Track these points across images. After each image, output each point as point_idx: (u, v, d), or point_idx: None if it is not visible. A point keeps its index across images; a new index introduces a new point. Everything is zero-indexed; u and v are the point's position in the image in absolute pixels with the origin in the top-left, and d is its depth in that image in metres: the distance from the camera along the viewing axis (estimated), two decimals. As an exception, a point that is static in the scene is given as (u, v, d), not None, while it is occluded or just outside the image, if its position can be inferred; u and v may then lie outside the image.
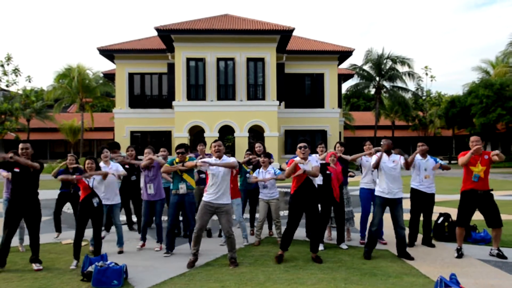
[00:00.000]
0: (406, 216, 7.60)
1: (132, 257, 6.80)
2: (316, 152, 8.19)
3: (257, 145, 8.69)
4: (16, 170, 6.19)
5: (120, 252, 7.15)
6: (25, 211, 6.24)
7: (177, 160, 7.05)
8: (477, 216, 7.04)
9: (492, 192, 6.69)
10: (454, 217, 8.18)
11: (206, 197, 6.34)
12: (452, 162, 36.04)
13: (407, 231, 7.50)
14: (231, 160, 6.45)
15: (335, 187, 7.20)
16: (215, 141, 6.53)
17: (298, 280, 5.57)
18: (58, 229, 8.45)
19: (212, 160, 6.36)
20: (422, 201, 7.39)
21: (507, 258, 6.47)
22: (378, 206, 6.74)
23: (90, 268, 5.57)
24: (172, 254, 6.97)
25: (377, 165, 6.65)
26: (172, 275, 5.81)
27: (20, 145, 6.34)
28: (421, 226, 7.72)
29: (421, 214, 7.47)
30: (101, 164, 7.38)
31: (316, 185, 6.65)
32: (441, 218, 7.96)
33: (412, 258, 6.51)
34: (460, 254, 6.62)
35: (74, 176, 6.57)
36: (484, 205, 6.62)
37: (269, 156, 7.81)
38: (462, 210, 6.74)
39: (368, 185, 7.67)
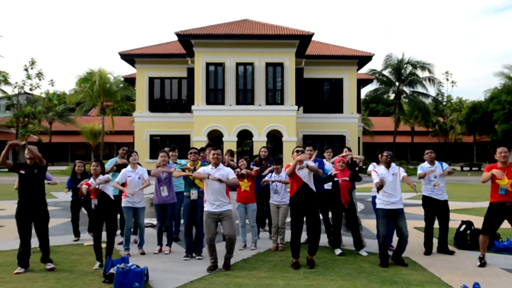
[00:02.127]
0: (421, 224, 7.53)
1: (152, 260, 6.87)
2: (323, 157, 8.20)
3: (262, 149, 8.66)
4: (22, 172, 6.30)
5: (142, 253, 7.27)
6: (33, 213, 6.31)
7: (188, 164, 7.12)
8: (500, 225, 6.90)
9: None
10: (476, 225, 8.05)
11: (206, 207, 6.41)
12: (473, 169, 35.44)
13: (421, 240, 7.46)
14: (230, 176, 6.42)
15: (344, 193, 7.20)
16: (215, 149, 6.62)
17: (318, 286, 5.55)
18: (77, 234, 8.59)
19: (221, 175, 6.33)
20: (436, 208, 7.31)
21: None
22: (382, 218, 6.70)
23: (112, 270, 5.65)
24: (192, 257, 7.02)
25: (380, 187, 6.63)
26: (192, 279, 5.86)
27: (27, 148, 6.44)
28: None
29: (435, 222, 7.38)
30: (128, 167, 7.46)
31: (314, 189, 6.63)
32: (463, 226, 7.83)
33: (405, 265, 6.49)
34: (483, 263, 6.49)
35: (84, 186, 6.58)
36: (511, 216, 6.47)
37: (280, 162, 7.77)
38: (488, 220, 6.61)
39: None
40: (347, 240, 7.95)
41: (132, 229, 8.29)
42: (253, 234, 7.78)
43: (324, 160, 8.17)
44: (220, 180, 6.24)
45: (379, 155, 7.64)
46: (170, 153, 8.20)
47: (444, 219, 7.32)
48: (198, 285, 5.62)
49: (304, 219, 6.58)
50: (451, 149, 47.30)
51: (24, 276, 5.97)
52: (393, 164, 6.89)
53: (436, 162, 7.42)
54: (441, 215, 7.32)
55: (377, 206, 6.81)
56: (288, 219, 7.27)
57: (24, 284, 5.62)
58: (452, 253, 7.21)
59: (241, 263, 6.72)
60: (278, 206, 7.63)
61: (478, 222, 8.42)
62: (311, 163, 6.60)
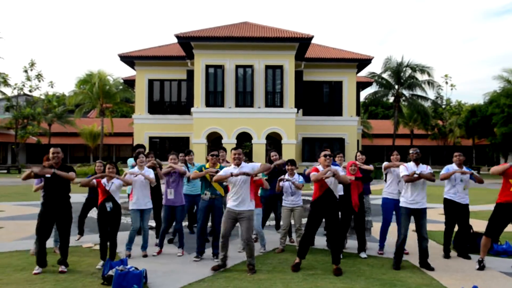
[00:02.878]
0: (434, 227, 7.52)
1: (152, 262, 6.86)
2: (335, 161, 8.15)
3: (272, 153, 8.67)
4: (48, 176, 6.32)
5: (145, 255, 7.24)
6: (57, 215, 6.36)
7: (207, 165, 7.10)
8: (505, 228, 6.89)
9: None
10: (475, 228, 8.06)
11: (228, 204, 6.46)
12: (472, 172, 35.46)
13: (436, 244, 7.45)
14: (256, 168, 6.41)
15: (354, 196, 7.17)
16: (235, 148, 6.59)
17: (317, 288, 5.56)
18: (81, 232, 8.56)
19: (235, 170, 6.34)
20: (456, 212, 7.28)
21: None
22: (405, 216, 6.67)
23: (111, 272, 5.64)
24: (202, 258, 7.01)
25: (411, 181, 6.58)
26: (191, 281, 5.85)
27: (51, 150, 6.48)
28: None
29: (454, 225, 7.37)
30: (136, 168, 7.43)
31: (338, 196, 6.60)
32: (463, 229, 7.83)
33: (432, 269, 6.44)
34: (481, 266, 6.49)
35: (94, 179, 6.72)
36: None
37: (295, 163, 7.77)
38: (493, 222, 6.60)
39: (392, 195, 7.49)
40: (347, 242, 7.95)
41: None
42: (261, 239, 7.72)
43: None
44: (246, 174, 6.24)
45: (391, 156, 7.65)
46: (187, 157, 8.39)
47: (464, 223, 7.30)
48: (197, 287, 5.62)
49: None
50: (450, 152, 47.29)
51: (23, 278, 5.96)
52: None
53: (464, 167, 7.34)
54: (461, 220, 7.29)
55: (401, 204, 6.77)
56: (304, 220, 7.27)
57: (23, 286, 5.61)
58: (469, 257, 7.16)
59: (240, 265, 6.72)
60: (292, 209, 7.63)
61: (476, 225, 8.44)
62: (341, 171, 6.48)
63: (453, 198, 7.27)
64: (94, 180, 6.70)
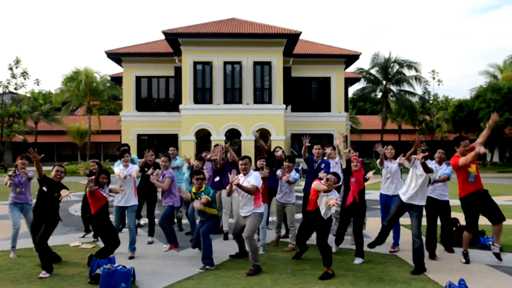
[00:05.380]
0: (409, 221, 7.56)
1: (140, 260, 6.81)
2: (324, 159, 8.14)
3: (277, 148, 8.44)
4: (44, 188, 6.31)
5: (131, 257, 6.91)
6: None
7: (194, 189, 6.76)
8: (486, 221, 6.97)
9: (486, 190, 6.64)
10: (462, 222, 8.12)
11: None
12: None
13: (408, 237, 7.45)
14: (251, 183, 6.34)
15: (354, 192, 6.85)
16: (243, 158, 6.61)
17: (305, 284, 5.57)
18: (87, 229, 8.52)
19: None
20: (436, 209, 7.27)
21: (501, 260, 6.52)
22: (396, 205, 6.57)
23: (98, 271, 5.59)
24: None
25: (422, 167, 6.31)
26: (179, 279, 5.83)
27: (56, 168, 6.55)
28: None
29: (437, 222, 7.35)
30: (120, 166, 7.42)
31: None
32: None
33: (424, 269, 6.22)
34: (468, 259, 6.56)
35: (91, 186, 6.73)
36: (484, 204, 6.54)
37: (293, 161, 7.66)
38: (469, 215, 6.62)
39: (386, 191, 7.47)
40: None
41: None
42: (262, 237, 7.41)
43: (333, 160, 8.16)
44: (229, 194, 6.49)
45: (386, 149, 7.60)
46: (196, 163, 8.67)
47: (445, 219, 7.34)
48: (185, 285, 5.59)
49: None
50: (437, 147, 47.73)
51: (8, 278, 5.88)
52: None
53: (444, 165, 7.38)
54: (442, 216, 7.31)
55: (398, 193, 6.73)
56: (297, 216, 7.23)
57: (9, 287, 5.54)
58: (452, 251, 7.24)
59: (229, 262, 6.70)
60: (283, 205, 7.60)
61: (463, 219, 8.51)
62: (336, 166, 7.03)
63: (431, 195, 7.16)
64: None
